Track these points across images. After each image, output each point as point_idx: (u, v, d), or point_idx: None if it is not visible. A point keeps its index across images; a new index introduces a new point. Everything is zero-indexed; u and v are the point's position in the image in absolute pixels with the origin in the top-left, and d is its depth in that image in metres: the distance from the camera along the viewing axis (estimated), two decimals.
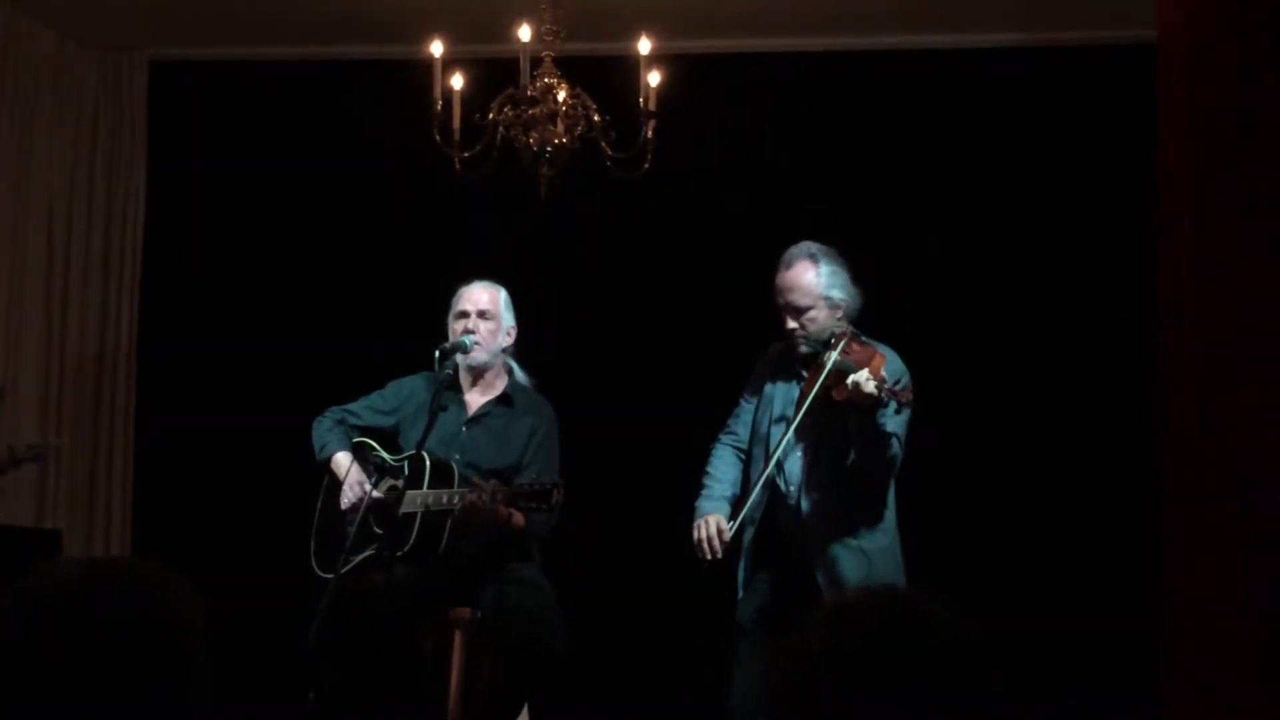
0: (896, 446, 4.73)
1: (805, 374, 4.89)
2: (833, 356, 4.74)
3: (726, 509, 4.91)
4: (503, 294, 5.31)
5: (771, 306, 4.98)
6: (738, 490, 4.97)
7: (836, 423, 4.77)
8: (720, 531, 4.81)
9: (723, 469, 5.04)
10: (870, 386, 4.46)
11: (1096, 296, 6.36)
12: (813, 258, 4.89)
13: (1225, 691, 2.73)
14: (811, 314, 4.86)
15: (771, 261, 5.00)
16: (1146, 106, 3.14)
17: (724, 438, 5.11)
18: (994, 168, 6.52)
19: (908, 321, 5.24)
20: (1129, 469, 5.86)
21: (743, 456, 5.05)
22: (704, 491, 5.01)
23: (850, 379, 4.51)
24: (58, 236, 6.85)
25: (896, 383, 4.59)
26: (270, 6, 6.51)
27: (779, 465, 4.87)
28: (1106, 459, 6.22)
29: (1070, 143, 6.46)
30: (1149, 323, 3.17)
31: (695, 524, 4.88)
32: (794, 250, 4.93)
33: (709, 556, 4.82)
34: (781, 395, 4.97)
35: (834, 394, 4.68)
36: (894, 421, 4.69)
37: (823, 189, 6.53)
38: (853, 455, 4.75)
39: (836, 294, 4.88)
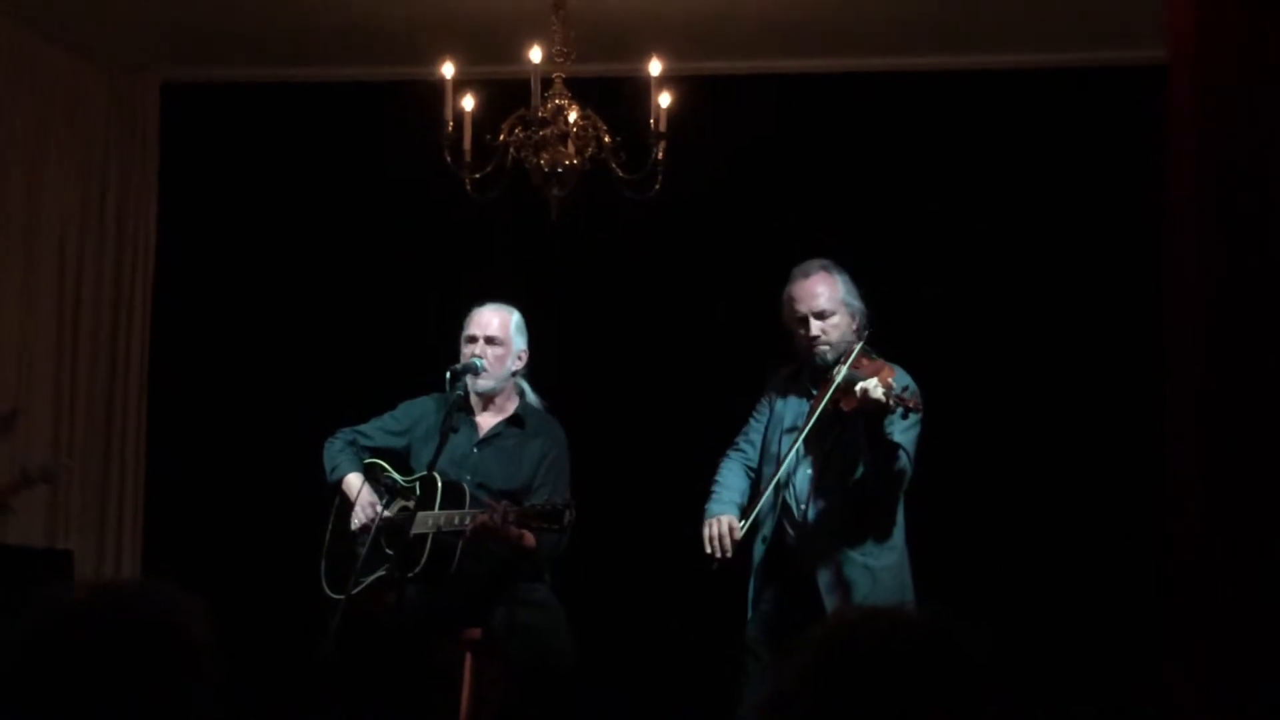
0: (905, 460, 4.73)
1: (815, 391, 4.90)
2: (842, 370, 4.75)
3: (736, 511, 4.90)
4: (515, 317, 5.30)
5: (782, 326, 4.99)
6: (745, 501, 4.96)
7: (845, 437, 4.77)
8: (731, 529, 4.79)
9: (730, 479, 5.03)
10: (878, 392, 4.48)
11: (1107, 318, 6.36)
12: (828, 269, 4.95)
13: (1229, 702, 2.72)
14: (834, 320, 4.88)
15: (782, 282, 5.00)
16: (1156, 127, 3.14)
17: (732, 453, 5.11)
18: (1005, 189, 6.53)
19: (919, 341, 5.24)
20: (1140, 492, 5.86)
21: (751, 473, 5.05)
22: (712, 496, 4.98)
23: (859, 386, 4.53)
24: (69, 257, 6.86)
25: (905, 389, 4.60)
26: (281, 28, 6.53)
27: (787, 479, 4.86)
28: (1117, 482, 6.20)
29: (1080, 164, 6.46)
30: (1158, 345, 3.18)
31: (705, 523, 4.86)
32: (808, 263, 4.97)
33: (719, 555, 4.79)
34: (792, 410, 4.97)
35: (842, 405, 4.69)
36: (903, 434, 4.70)
37: (833, 210, 6.53)
38: (861, 468, 4.75)
39: (854, 302, 4.91)
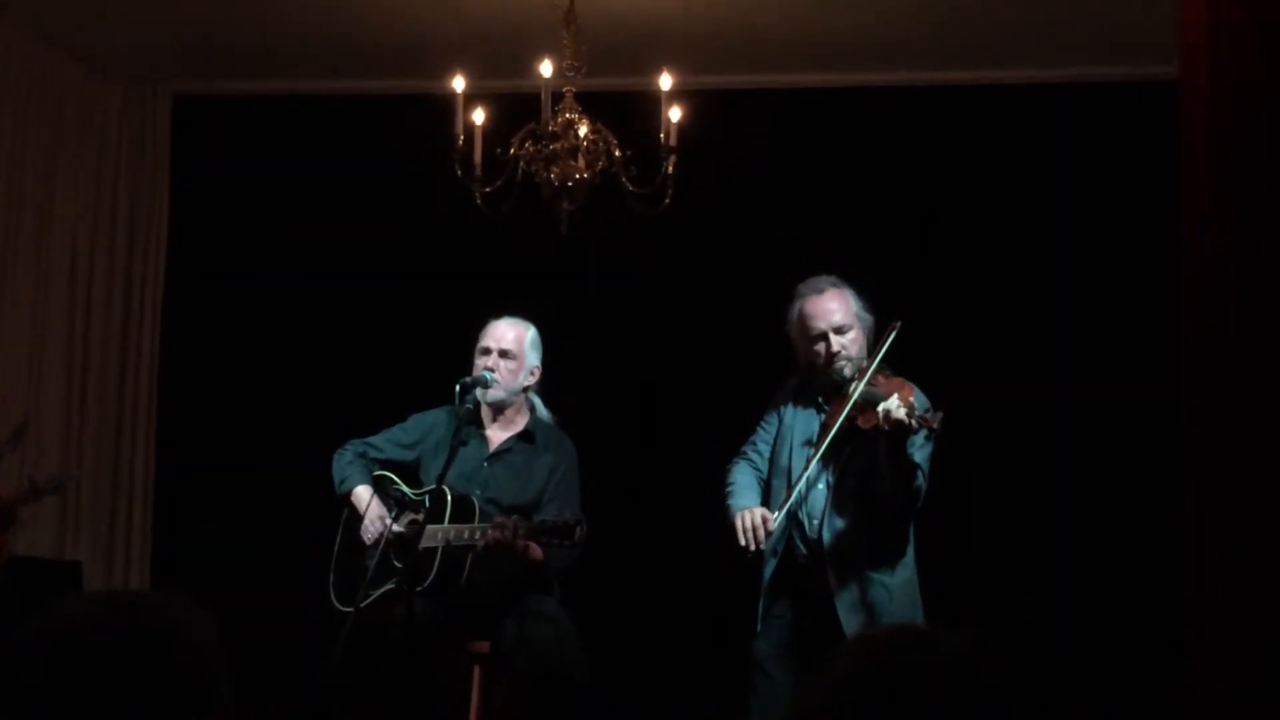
0: (921, 478, 4.71)
1: (827, 405, 4.88)
2: (859, 386, 4.73)
3: (759, 505, 4.88)
4: (530, 332, 5.30)
5: (790, 344, 4.98)
6: (759, 501, 4.93)
7: (861, 454, 4.75)
8: (765, 520, 4.73)
9: (744, 479, 4.99)
10: (901, 413, 4.46)
11: (1119, 332, 6.35)
12: (838, 284, 4.94)
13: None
14: (852, 334, 4.87)
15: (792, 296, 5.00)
16: (1170, 143, 3.15)
17: (740, 460, 5.08)
18: (1015, 203, 6.52)
19: (928, 356, 5.22)
20: (1149, 501, 5.85)
21: (760, 481, 5.01)
22: (732, 493, 4.94)
23: (881, 406, 4.51)
24: (80, 269, 6.88)
25: (927, 410, 4.58)
26: (293, 41, 6.55)
27: (801, 497, 4.85)
28: (1126, 505, 6.19)
29: (1093, 178, 6.46)
30: (1172, 358, 3.18)
31: (737, 515, 4.78)
32: (816, 280, 4.95)
33: (753, 547, 4.74)
34: (802, 424, 4.95)
35: (860, 423, 4.66)
36: (920, 453, 4.68)
37: (843, 224, 6.54)
38: (878, 486, 4.73)
39: (866, 315, 4.92)
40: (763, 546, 4.75)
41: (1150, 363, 5.90)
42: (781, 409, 5.04)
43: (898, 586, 4.79)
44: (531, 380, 5.30)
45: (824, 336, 4.86)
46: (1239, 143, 2.83)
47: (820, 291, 4.91)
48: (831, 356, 4.85)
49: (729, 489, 4.97)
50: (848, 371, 4.85)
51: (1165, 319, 3.63)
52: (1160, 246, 4.42)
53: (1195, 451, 2.88)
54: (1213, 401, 2.84)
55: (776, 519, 4.76)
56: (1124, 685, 6.05)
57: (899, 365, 4.88)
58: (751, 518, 4.76)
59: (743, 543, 4.75)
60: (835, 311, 4.87)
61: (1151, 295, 5.87)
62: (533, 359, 5.29)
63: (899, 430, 4.51)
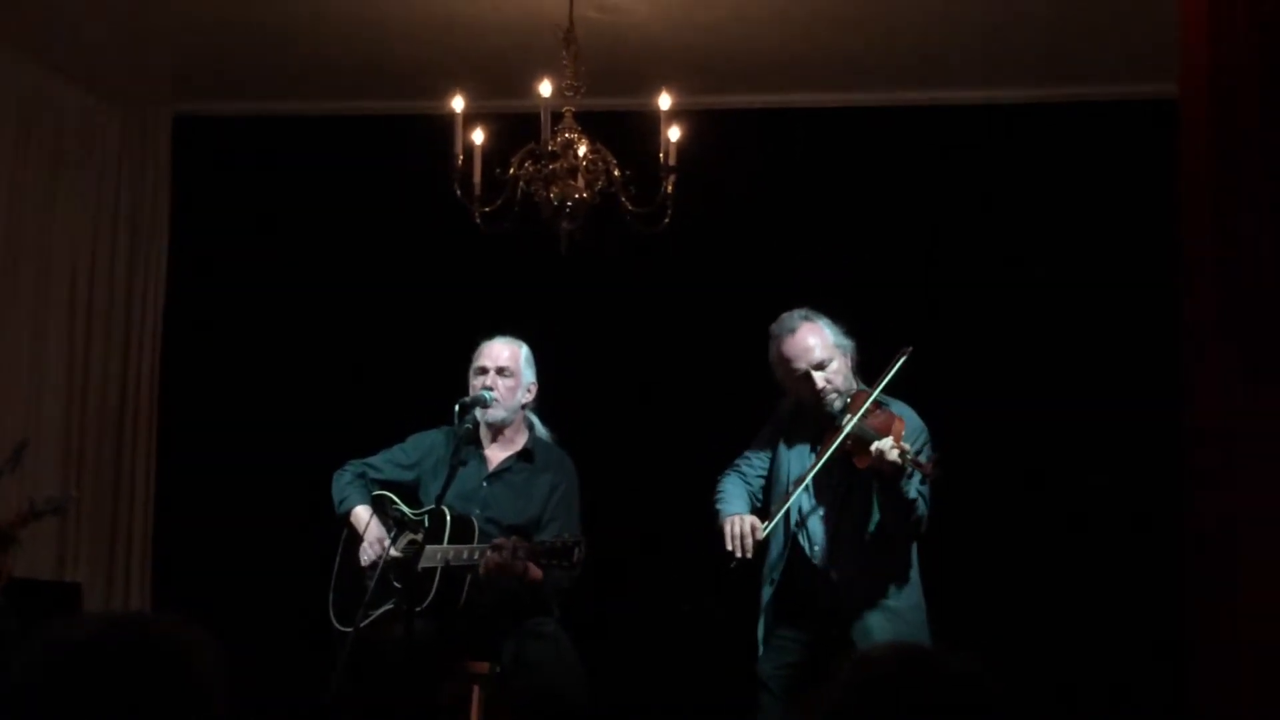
0: (922, 508, 4.68)
1: (819, 447, 4.84)
2: (852, 421, 4.70)
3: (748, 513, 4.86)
4: (524, 350, 5.30)
5: (778, 384, 4.96)
6: (748, 511, 4.90)
7: (859, 486, 4.74)
8: (754, 529, 4.71)
9: (735, 490, 4.97)
10: (894, 455, 4.43)
11: (1120, 350, 6.35)
12: (808, 318, 4.88)
13: None
14: (834, 366, 4.83)
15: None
16: (1169, 161, 3.15)
17: (732, 473, 5.05)
18: (1015, 222, 6.53)
19: (927, 376, 5.22)
20: (1153, 537, 5.85)
21: (751, 497, 4.98)
22: (721, 499, 4.92)
23: (874, 448, 4.48)
24: (81, 289, 6.89)
25: (919, 452, 4.56)
26: (292, 62, 6.56)
27: (800, 524, 4.83)
28: (1130, 526, 6.19)
29: (1093, 198, 6.46)
30: (1174, 382, 3.18)
31: (726, 520, 4.77)
32: (785, 319, 4.90)
33: (739, 555, 4.71)
34: (798, 463, 4.92)
35: (856, 462, 4.64)
36: (917, 486, 4.66)
37: (842, 243, 6.54)
38: (877, 519, 4.71)
39: (844, 341, 4.88)
40: (748, 554, 4.73)
41: (1153, 376, 5.90)
42: (777, 436, 5.01)
43: (906, 609, 4.78)
44: (528, 397, 5.30)
45: (807, 376, 4.83)
46: (1239, 143, 2.84)
47: (793, 331, 4.86)
48: (819, 393, 4.84)
49: (718, 496, 4.95)
50: (838, 405, 4.82)
51: (1167, 332, 3.63)
52: (1161, 265, 4.42)
53: (1195, 452, 2.88)
54: (1212, 402, 2.84)
55: (765, 529, 4.74)
56: (1124, 687, 6.04)
57: (898, 386, 4.86)
58: (740, 525, 4.74)
59: (729, 548, 4.73)
60: (814, 349, 4.82)
61: (1153, 308, 5.87)
62: (528, 376, 5.29)
63: (893, 472, 4.50)
